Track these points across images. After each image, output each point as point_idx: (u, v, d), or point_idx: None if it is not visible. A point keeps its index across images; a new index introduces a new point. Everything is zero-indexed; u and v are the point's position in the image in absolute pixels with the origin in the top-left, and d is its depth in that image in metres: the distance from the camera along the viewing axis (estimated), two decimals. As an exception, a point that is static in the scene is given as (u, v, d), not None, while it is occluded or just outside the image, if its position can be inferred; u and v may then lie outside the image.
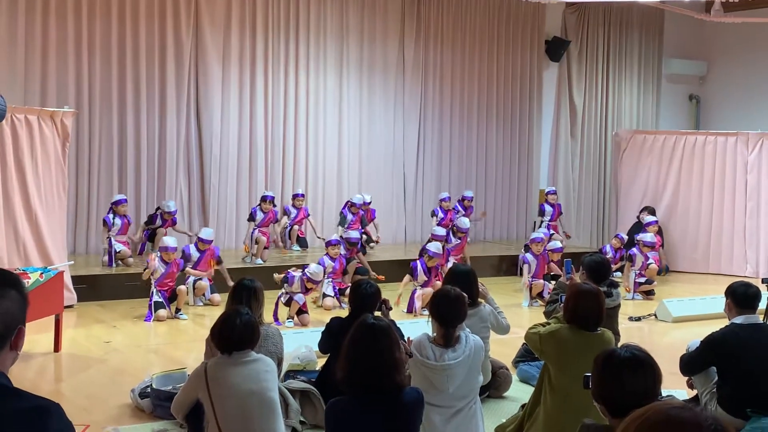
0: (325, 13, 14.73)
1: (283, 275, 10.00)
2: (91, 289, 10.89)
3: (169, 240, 10.45)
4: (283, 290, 9.92)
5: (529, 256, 11.74)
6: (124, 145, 13.21)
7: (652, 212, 14.54)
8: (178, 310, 10.13)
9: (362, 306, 6.12)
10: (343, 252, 11.25)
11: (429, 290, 9.95)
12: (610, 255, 13.22)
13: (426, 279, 10.77)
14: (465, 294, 5.41)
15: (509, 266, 13.80)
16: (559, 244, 12.16)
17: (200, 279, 10.82)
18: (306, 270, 9.90)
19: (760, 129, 15.44)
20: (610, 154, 17.31)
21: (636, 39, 17.91)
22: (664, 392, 6.17)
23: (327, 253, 10.96)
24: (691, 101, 18.78)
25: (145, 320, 9.89)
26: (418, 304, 10.48)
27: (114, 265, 11.73)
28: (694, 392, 6.20)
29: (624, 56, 17.80)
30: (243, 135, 14.19)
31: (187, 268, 10.61)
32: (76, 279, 10.60)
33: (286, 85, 14.50)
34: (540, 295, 11.32)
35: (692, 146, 15.43)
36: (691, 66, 18.42)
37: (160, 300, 10.02)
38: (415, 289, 10.74)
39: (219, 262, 10.99)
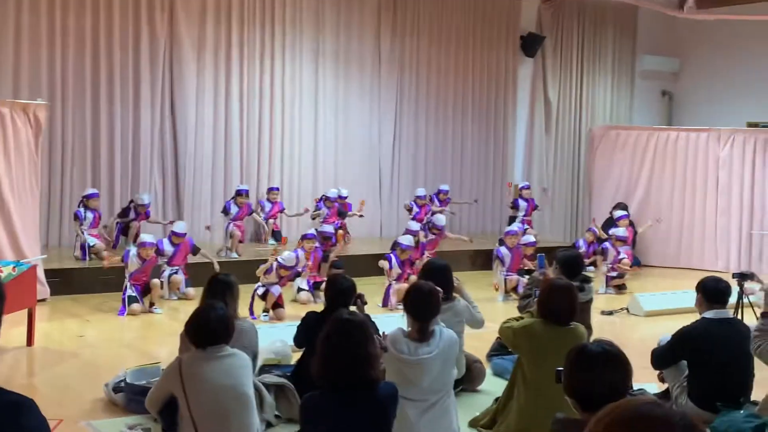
0: (301, 5, 14.69)
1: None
2: (64, 282, 10.81)
3: (146, 236, 10.40)
4: (260, 283, 9.90)
5: (503, 249, 11.80)
6: (97, 137, 13.11)
7: (624, 208, 14.66)
8: (152, 304, 10.08)
9: (337, 300, 6.13)
10: (317, 245, 11.24)
11: (404, 285, 9.96)
12: (583, 249, 13.32)
13: (400, 272, 10.80)
14: (439, 288, 5.45)
15: (484, 260, 13.84)
16: (532, 239, 12.25)
17: (175, 272, 10.78)
18: (279, 257, 9.90)
19: (731, 125, 15.60)
20: (584, 150, 17.43)
21: (610, 35, 18.03)
22: (636, 386, 6.25)
23: (302, 247, 10.93)
24: (664, 97, 18.93)
25: (118, 314, 9.84)
26: (393, 299, 10.50)
27: (88, 258, 11.66)
28: (665, 386, 6.28)
29: (598, 52, 17.92)
30: (218, 128, 14.13)
31: (162, 263, 10.56)
32: (49, 273, 10.52)
33: (261, 78, 14.46)
34: (515, 290, 11.38)
35: (665, 142, 15.57)
36: (665, 62, 18.56)
37: (134, 294, 9.97)
38: (390, 284, 10.76)
39: (196, 251, 10.95)
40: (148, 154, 13.50)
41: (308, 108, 14.95)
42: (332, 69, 15.15)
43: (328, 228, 11.97)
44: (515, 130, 17.21)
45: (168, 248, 10.71)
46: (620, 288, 12.46)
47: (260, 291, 9.86)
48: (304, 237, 11.04)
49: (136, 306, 9.88)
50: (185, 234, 10.93)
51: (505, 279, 11.56)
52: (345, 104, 15.34)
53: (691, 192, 15.28)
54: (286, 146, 14.77)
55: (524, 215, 14.84)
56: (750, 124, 16.50)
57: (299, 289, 10.79)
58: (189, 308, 6.03)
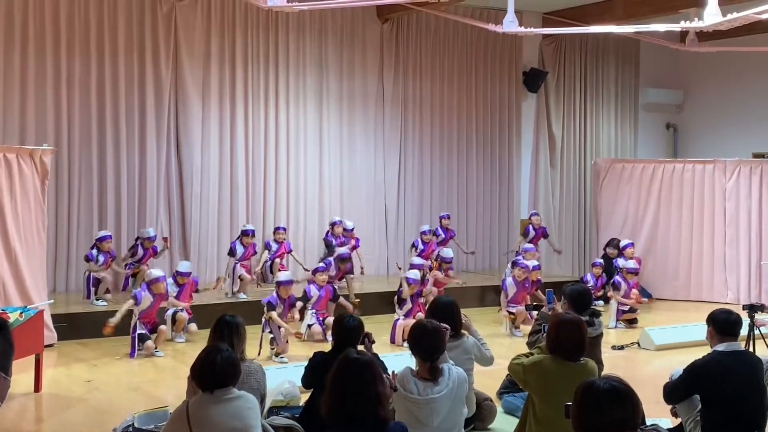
0: (304, 47, 14.81)
1: (266, 304, 9.92)
2: (71, 327, 10.79)
3: (156, 271, 10.37)
4: (266, 329, 9.79)
5: (509, 281, 11.77)
6: (103, 181, 13.16)
7: (617, 245, 14.56)
8: (155, 347, 10.02)
9: (345, 340, 6.10)
10: (333, 273, 11.16)
11: (410, 321, 9.94)
12: (591, 283, 13.30)
13: (410, 307, 10.74)
14: (445, 325, 5.41)
15: (492, 297, 13.80)
16: (536, 262, 12.22)
17: (180, 311, 10.72)
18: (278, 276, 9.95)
19: (737, 156, 15.60)
20: (590, 183, 17.43)
21: (612, 69, 18.11)
22: (649, 421, 6.16)
23: (314, 281, 10.88)
24: (669, 130, 18.96)
25: (129, 356, 9.80)
26: (399, 333, 10.45)
27: (93, 298, 11.62)
28: (679, 421, 6.20)
29: (601, 86, 17.99)
30: (223, 169, 14.18)
31: (170, 299, 10.52)
32: (56, 317, 10.51)
33: (266, 119, 14.53)
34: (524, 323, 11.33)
35: (670, 174, 15.57)
36: (668, 95, 18.62)
37: (144, 331, 9.93)
38: (397, 319, 10.72)
39: (197, 290, 10.98)
40: (154, 197, 13.54)
41: (313, 148, 15.00)
42: (336, 109, 15.24)
43: (344, 250, 11.95)
44: (520, 165, 17.24)
45: (172, 289, 10.64)
46: (631, 322, 12.37)
47: (267, 330, 9.77)
48: (316, 271, 11.02)
49: (149, 343, 9.87)
50: (190, 273, 10.90)
51: (514, 313, 11.49)
52: (349, 143, 15.40)
53: (698, 224, 15.25)
54: (291, 186, 14.80)
55: (529, 241, 14.73)
56: (756, 155, 16.50)
57: (309, 326, 10.73)
58: (196, 351, 6.00)
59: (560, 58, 17.44)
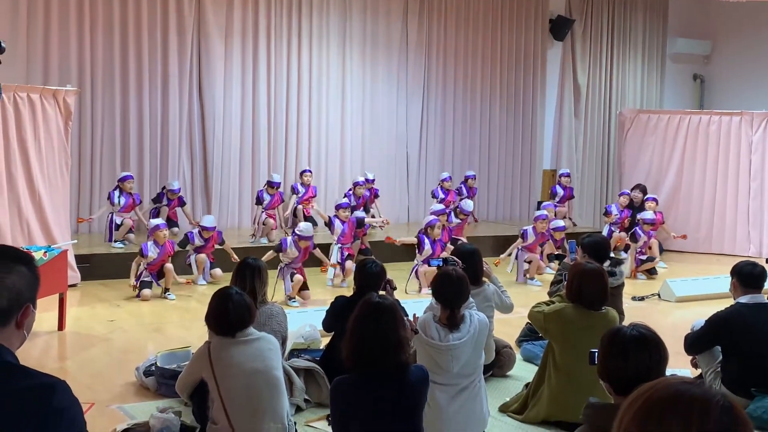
0: (328, -12, 14.66)
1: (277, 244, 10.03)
2: (94, 267, 10.88)
3: (158, 220, 10.45)
4: (281, 263, 9.88)
5: (529, 230, 11.77)
6: (126, 124, 13.16)
7: (644, 190, 14.43)
8: (166, 289, 10.02)
9: (367, 285, 6.12)
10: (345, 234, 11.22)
11: (431, 268, 9.94)
12: (616, 214, 13.21)
13: (431, 252, 10.74)
14: (452, 257, 5.46)
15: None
16: (561, 223, 12.17)
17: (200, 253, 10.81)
18: (295, 230, 9.92)
19: (764, 108, 15.38)
20: (614, 134, 17.27)
21: (640, 18, 17.83)
22: (669, 372, 6.17)
23: (336, 216, 10.93)
24: (696, 81, 18.71)
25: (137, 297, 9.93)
26: (422, 279, 10.47)
27: (113, 241, 11.68)
28: (699, 372, 6.20)
29: (628, 35, 17.73)
30: (246, 113, 14.13)
31: (190, 250, 10.64)
32: (79, 258, 10.61)
33: (288, 63, 14.44)
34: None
35: (696, 126, 15.38)
36: (696, 45, 18.34)
37: (148, 279, 9.97)
38: (417, 265, 10.74)
39: (221, 243, 10.96)
40: (176, 140, 13.54)
41: (335, 93, 14.91)
42: (359, 53, 15.10)
43: (360, 213, 12.01)
44: (544, 115, 17.09)
45: (198, 241, 10.74)
46: (650, 272, 12.33)
47: (286, 272, 9.82)
48: (339, 207, 11.13)
49: (147, 291, 9.87)
50: (214, 228, 10.92)
51: (523, 260, 11.60)
52: (372, 89, 15.28)
53: (722, 176, 15.09)
54: (313, 131, 14.75)
55: (558, 202, 14.59)
56: (783, 108, 16.27)
57: (338, 263, 10.81)
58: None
59: (588, 5, 17.17)
